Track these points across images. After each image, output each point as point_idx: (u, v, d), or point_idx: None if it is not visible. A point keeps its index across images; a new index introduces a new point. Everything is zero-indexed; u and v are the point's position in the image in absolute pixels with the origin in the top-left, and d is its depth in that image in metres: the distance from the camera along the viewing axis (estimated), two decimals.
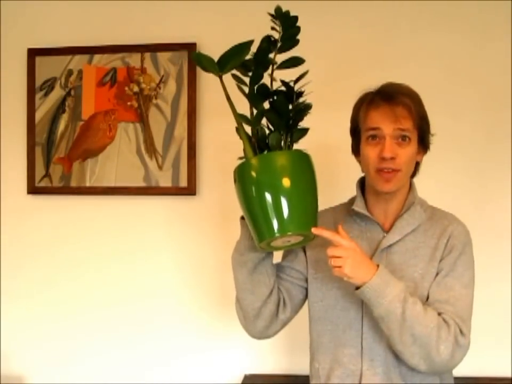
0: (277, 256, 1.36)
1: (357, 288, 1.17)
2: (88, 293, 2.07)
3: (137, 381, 2.04)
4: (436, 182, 1.89)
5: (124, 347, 2.05)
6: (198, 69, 2.00)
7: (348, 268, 1.15)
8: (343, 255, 1.16)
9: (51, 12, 2.12)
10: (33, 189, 2.10)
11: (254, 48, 1.18)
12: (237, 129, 1.21)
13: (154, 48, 2.05)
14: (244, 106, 1.22)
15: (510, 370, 1.89)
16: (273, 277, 1.29)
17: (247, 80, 1.20)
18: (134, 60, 2.07)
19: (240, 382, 1.97)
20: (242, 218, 1.26)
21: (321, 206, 1.25)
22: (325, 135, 1.87)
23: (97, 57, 2.09)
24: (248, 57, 1.17)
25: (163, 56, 2.05)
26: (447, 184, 1.93)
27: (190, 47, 2.02)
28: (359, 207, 1.30)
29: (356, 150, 1.33)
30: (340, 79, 1.96)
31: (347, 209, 1.37)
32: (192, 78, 2.02)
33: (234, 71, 1.20)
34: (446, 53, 1.96)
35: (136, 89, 2.07)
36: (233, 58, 1.14)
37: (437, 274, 1.25)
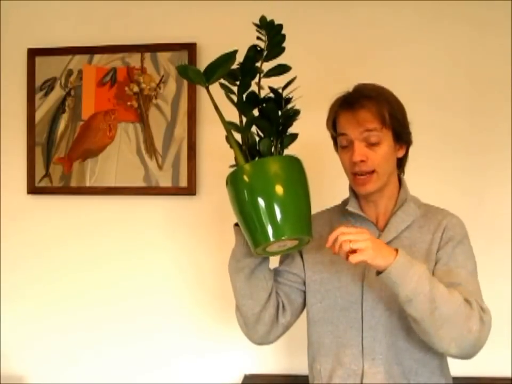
0: (274, 261, 1.36)
1: (378, 273, 1.13)
2: (89, 293, 2.07)
3: (137, 381, 2.04)
4: (433, 180, 1.89)
5: (124, 347, 2.05)
6: None
7: (370, 250, 1.09)
8: (359, 238, 1.11)
9: (51, 12, 2.12)
10: (33, 189, 2.10)
11: (240, 58, 1.18)
12: (227, 138, 1.22)
13: (154, 48, 2.05)
14: (233, 114, 1.23)
15: (510, 370, 1.89)
16: (270, 281, 1.30)
17: (234, 89, 1.22)
18: (134, 59, 2.07)
19: (240, 382, 1.97)
20: (236, 225, 1.27)
21: (314, 208, 1.25)
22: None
23: (97, 57, 2.08)
24: (234, 66, 1.18)
25: (163, 56, 2.05)
26: (445, 182, 1.92)
27: (190, 47, 2.02)
28: (353, 207, 1.32)
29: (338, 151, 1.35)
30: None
31: (341, 210, 1.38)
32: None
33: (222, 81, 1.21)
34: (443, 50, 1.96)
35: (136, 89, 2.07)
36: (219, 69, 1.15)
37: (436, 264, 1.25)
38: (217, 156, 2.01)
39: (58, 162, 2.10)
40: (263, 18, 1.20)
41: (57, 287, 2.09)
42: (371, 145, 1.24)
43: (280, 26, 1.20)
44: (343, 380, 1.26)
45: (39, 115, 2.11)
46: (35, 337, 2.09)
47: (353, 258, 1.10)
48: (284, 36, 1.21)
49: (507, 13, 1.92)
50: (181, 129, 2.04)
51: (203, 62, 2.03)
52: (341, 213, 1.37)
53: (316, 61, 1.99)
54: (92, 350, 2.07)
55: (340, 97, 1.31)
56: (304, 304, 1.37)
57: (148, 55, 2.06)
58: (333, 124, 1.31)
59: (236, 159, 1.22)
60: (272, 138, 1.20)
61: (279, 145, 1.22)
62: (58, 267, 2.09)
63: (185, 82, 2.02)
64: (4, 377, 2.05)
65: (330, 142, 1.38)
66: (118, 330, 2.06)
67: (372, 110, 1.24)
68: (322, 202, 1.42)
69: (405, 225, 1.29)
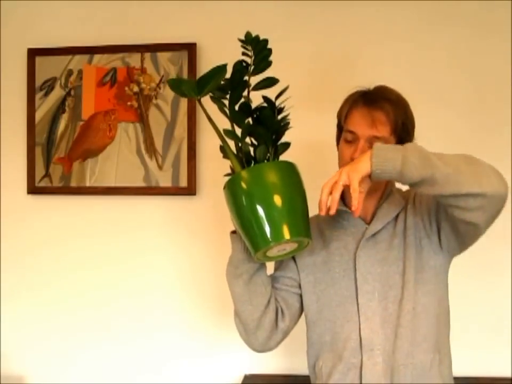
0: (269, 269, 1.37)
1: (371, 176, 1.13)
2: (89, 293, 2.07)
3: (137, 381, 2.04)
4: None
5: (124, 347, 2.05)
6: (198, 69, 2.02)
7: (352, 172, 1.11)
8: (339, 176, 1.13)
9: (51, 12, 2.12)
10: (33, 189, 2.10)
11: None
12: (221, 147, 1.24)
13: (154, 48, 2.05)
14: (227, 124, 1.24)
15: (510, 370, 1.89)
16: (268, 286, 1.32)
17: (225, 102, 1.24)
18: (134, 59, 2.07)
19: (240, 382, 1.97)
20: (232, 232, 1.28)
21: (313, 211, 1.26)
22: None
23: (97, 57, 2.08)
24: (222, 81, 1.20)
25: (163, 56, 2.05)
26: None
27: (190, 47, 2.02)
28: (338, 204, 1.31)
29: (339, 142, 1.36)
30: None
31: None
32: (192, 78, 2.01)
33: (212, 94, 1.23)
34: (443, 51, 1.96)
35: (136, 89, 2.07)
36: (211, 81, 1.16)
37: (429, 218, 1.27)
38: (217, 156, 1.99)
39: (58, 162, 2.10)
40: (248, 34, 1.22)
41: (57, 287, 2.09)
42: None
43: (266, 41, 1.23)
44: (343, 374, 1.27)
45: (39, 115, 2.11)
46: (35, 337, 2.09)
47: (354, 192, 1.10)
48: (270, 50, 1.23)
49: (507, 13, 1.93)
50: (181, 129, 2.04)
51: (203, 62, 2.03)
52: (329, 215, 1.37)
53: (316, 62, 1.99)
54: (91, 350, 2.07)
55: (359, 92, 1.32)
56: (301, 309, 1.38)
57: (147, 55, 2.06)
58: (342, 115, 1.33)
59: (232, 167, 1.24)
60: (267, 146, 1.22)
61: (273, 154, 1.24)
62: (58, 267, 2.09)
63: None
64: (3, 377, 2.05)
65: (329, 145, 1.38)
66: (118, 331, 2.06)
67: (389, 113, 1.26)
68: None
69: (391, 217, 1.31)
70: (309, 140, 1.91)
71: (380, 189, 1.33)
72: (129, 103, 2.07)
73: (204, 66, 2.02)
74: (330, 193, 1.14)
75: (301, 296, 1.37)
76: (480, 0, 1.93)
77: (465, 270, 1.87)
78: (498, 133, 1.92)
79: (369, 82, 1.34)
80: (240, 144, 1.23)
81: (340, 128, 1.35)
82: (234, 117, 1.23)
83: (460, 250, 1.30)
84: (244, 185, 1.16)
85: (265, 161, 1.22)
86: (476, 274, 1.91)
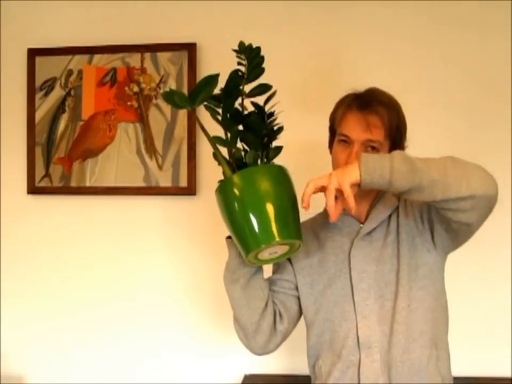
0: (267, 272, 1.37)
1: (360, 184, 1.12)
2: (88, 293, 2.07)
3: (137, 381, 2.04)
4: None
5: (124, 348, 2.05)
6: (198, 69, 2.02)
7: (334, 177, 1.10)
8: (322, 178, 1.12)
9: (51, 12, 2.12)
10: (33, 189, 2.10)
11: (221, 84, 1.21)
12: (214, 154, 1.25)
13: (154, 48, 2.05)
14: (221, 132, 1.25)
15: (510, 370, 1.89)
16: (266, 290, 1.32)
17: (219, 111, 1.25)
18: (134, 59, 2.07)
19: (240, 382, 1.97)
20: (227, 238, 1.29)
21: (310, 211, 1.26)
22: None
23: (97, 57, 2.09)
24: (217, 91, 1.21)
25: (163, 56, 2.05)
26: None
27: (190, 47, 2.02)
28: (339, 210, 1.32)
29: (331, 146, 1.36)
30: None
31: (324, 215, 1.40)
32: (192, 78, 2.01)
33: (206, 103, 1.24)
34: (443, 51, 1.96)
35: (136, 89, 2.07)
36: (203, 91, 1.18)
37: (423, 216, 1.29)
38: None
39: (58, 162, 2.10)
40: (241, 44, 1.23)
41: (57, 287, 2.09)
42: (368, 151, 1.26)
43: (259, 49, 1.24)
44: (342, 372, 1.27)
45: (39, 115, 2.11)
46: (35, 337, 2.09)
47: (349, 198, 1.09)
48: (262, 58, 1.25)
49: (507, 13, 1.93)
50: (181, 129, 2.04)
51: (203, 62, 2.03)
52: (324, 217, 1.38)
53: (313, 62, 1.99)
54: (91, 350, 2.07)
55: (352, 95, 1.32)
56: (300, 311, 1.39)
57: (147, 55, 2.06)
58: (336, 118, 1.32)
59: (224, 173, 1.25)
60: (257, 151, 1.24)
61: (265, 158, 1.25)
62: (58, 267, 2.09)
63: (185, 82, 2.02)
64: (3, 377, 2.05)
65: (323, 146, 1.38)
66: (118, 331, 2.06)
67: (383, 117, 1.26)
68: (315, 208, 1.41)
69: (385, 216, 1.32)
70: (303, 141, 1.91)
71: (374, 190, 1.33)
72: (129, 103, 2.07)
73: (204, 66, 2.03)
74: (318, 192, 1.13)
75: (298, 298, 1.37)
76: (480, 0, 1.94)
77: (465, 270, 1.87)
78: (498, 132, 1.92)
79: (366, 84, 1.34)
80: (232, 151, 1.25)
81: (333, 131, 1.35)
82: (226, 123, 1.24)
83: (454, 248, 1.31)
84: (233, 188, 1.17)
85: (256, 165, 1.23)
86: (476, 274, 1.91)
